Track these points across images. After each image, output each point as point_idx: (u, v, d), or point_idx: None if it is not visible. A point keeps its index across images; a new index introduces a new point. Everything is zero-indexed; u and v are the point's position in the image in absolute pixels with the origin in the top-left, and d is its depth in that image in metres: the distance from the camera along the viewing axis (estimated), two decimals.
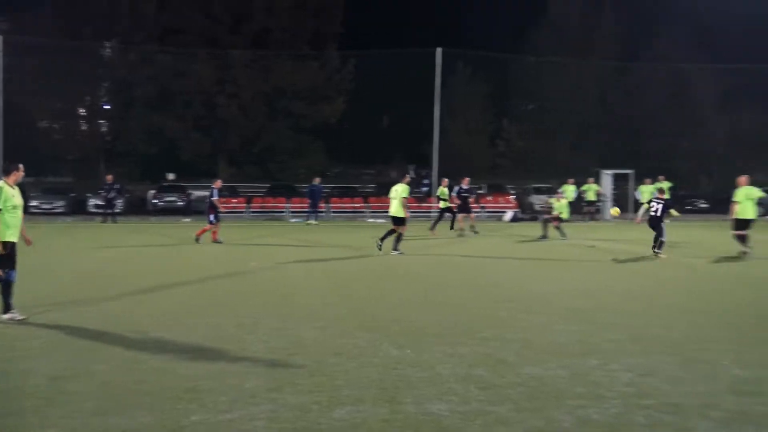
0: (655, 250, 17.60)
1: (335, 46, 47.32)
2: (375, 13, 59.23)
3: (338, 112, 47.29)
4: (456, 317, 9.45)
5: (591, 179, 33.97)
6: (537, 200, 39.09)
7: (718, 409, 5.67)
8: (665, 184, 33.60)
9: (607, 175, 35.82)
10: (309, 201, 31.52)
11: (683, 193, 39.02)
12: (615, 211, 22.05)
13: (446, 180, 25.78)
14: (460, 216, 24.80)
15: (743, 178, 17.79)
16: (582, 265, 16.22)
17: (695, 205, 42.56)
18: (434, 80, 34.69)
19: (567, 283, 12.93)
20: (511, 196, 38.62)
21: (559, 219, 22.49)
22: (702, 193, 45.93)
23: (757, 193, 17.75)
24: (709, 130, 52.99)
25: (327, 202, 36.22)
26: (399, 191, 18.01)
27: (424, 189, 40.23)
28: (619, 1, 53.56)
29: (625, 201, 36.24)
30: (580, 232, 25.00)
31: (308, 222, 30.43)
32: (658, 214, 17.90)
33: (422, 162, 44.34)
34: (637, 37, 52.83)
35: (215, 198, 20.51)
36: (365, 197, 38.45)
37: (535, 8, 53.81)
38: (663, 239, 17.67)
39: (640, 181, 33.97)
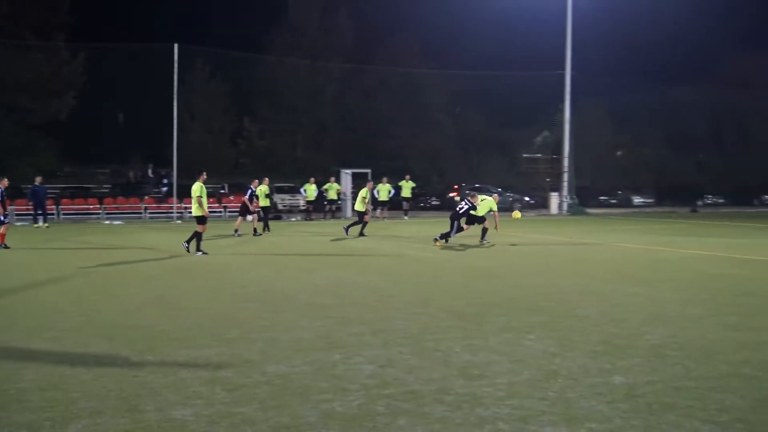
0: (437, 238, 19.75)
1: (63, 36, 44.38)
2: (109, 4, 56.51)
3: (69, 108, 44.46)
4: (199, 319, 9.24)
5: (332, 178, 34.86)
6: (279, 199, 39.43)
7: (451, 393, 6.03)
8: (409, 184, 35.52)
9: (346, 174, 36.90)
10: (32, 203, 29.26)
11: (417, 191, 41.25)
12: (516, 214, 22.66)
13: (267, 179, 25.52)
14: (241, 218, 24.45)
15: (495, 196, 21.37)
16: (325, 261, 16.57)
17: (428, 203, 45.23)
18: (172, 77, 33.70)
19: (311, 279, 13.14)
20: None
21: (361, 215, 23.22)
22: (433, 191, 48.83)
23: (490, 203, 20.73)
24: (440, 131, 56.45)
25: (57, 203, 33.92)
26: (194, 190, 17.70)
27: (164, 189, 39.03)
28: (355, 4, 55.46)
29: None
30: (323, 229, 25.52)
31: (37, 225, 28.29)
32: (461, 212, 19.89)
33: (162, 161, 42.99)
34: (372, 40, 55.13)
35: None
36: (100, 198, 36.48)
37: (274, 8, 54.30)
38: (451, 234, 19.72)
39: (377, 180, 35.37)
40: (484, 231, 20.81)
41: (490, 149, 59.13)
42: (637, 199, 54.73)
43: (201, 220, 17.64)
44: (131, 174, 47.01)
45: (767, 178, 59.88)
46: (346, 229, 23.25)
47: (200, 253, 17.40)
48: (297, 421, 5.35)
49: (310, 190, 33.95)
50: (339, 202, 35.31)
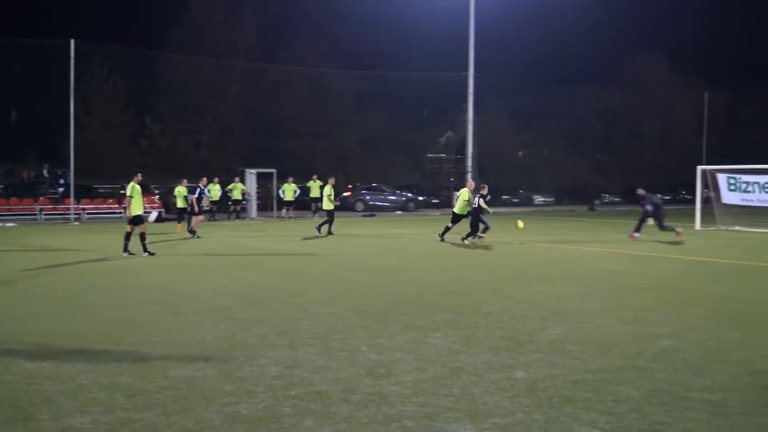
0: (464, 239, 20.48)
1: None
2: None
3: None
4: (99, 323, 8.95)
5: (236, 178, 34.42)
6: None
7: (358, 393, 6.04)
8: (317, 184, 35.38)
9: (251, 174, 36.50)
10: None
11: (345, 195, 41.33)
12: (520, 224, 22.44)
13: (185, 180, 25.23)
14: (195, 219, 23.70)
15: (470, 183, 21.56)
16: (229, 261, 16.34)
17: (354, 206, 45.33)
18: (68, 74, 32.53)
19: (215, 280, 12.93)
20: (156, 196, 37.59)
21: (329, 214, 23.80)
22: (340, 191, 48.80)
23: (465, 194, 20.95)
24: (345, 131, 56.51)
25: None
26: (128, 190, 17.33)
27: (60, 189, 37.63)
28: (259, 2, 54.92)
29: (269, 199, 37.32)
30: (228, 230, 25.18)
31: None
32: (477, 206, 20.59)
33: (58, 161, 41.38)
34: (276, 40, 54.71)
35: None
36: None
37: (176, 5, 53.22)
38: (478, 230, 20.45)
39: (283, 180, 35.16)
40: (447, 229, 21.18)
41: (395, 149, 59.61)
42: (538, 199, 56.18)
43: (134, 220, 17.24)
44: (25, 174, 44.99)
45: (659, 177, 62.47)
46: (318, 228, 23.66)
47: (126, 254, 17.08)
48: (201, 426, 5.25)
49: (214, 191, 33.45)
50: (244, 202, 34.89)
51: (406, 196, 45.54)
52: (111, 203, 35.55)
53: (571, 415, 5.48)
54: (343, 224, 30.53)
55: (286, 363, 6.98)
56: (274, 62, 52.13)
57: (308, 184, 35.58)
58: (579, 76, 65.04)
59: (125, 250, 17.25)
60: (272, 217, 35.59)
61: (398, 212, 42.57)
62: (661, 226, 21.31)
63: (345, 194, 43.70)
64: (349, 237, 23.45)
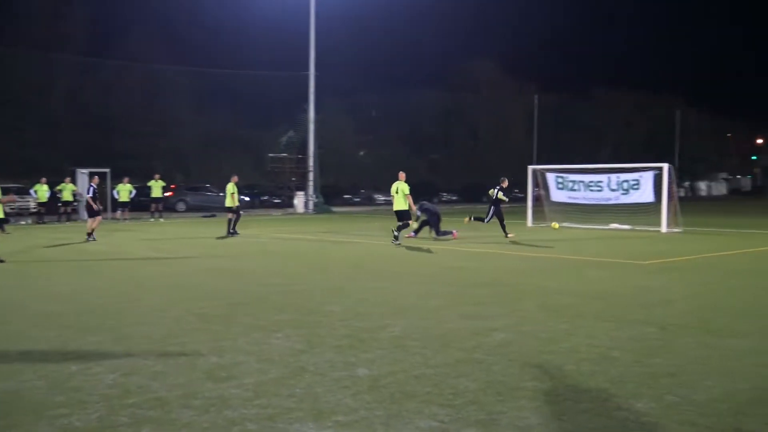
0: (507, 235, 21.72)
1: None
2: None
3: None
4: None
5: (67, 178, 32.81)
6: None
7: (199, 397, 5.90)
8: (159, 183, 34.40)
9: (83, 174, 34.88)
10: None
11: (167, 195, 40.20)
12: (555, 225, 21.94)
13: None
14: (91, 220, 21.93)
15: (401, 174, 21.12)
16: (61, 266, 15.56)
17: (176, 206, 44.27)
18: None
19: (45, 286, 12.26)
20: None
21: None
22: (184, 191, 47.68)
23: (404, 187, 20.71)
24: (184, 129, 55.26)
25: None
26: None
27: None
28: None
29: (103, 200, 35.79)
30: (58, 233, 23.96)
31: None
32: (495, 197, 21.78)
33: None
34: (109, 34, 52.69)
35: None
36: None
37: None
38: (503, 228, 21.60)
39: (118, 180, 33.90)
40: (400, 228, 20.63)
41: (236, 148, 58.89)
42: (379, 198, 57.07)
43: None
44: None
45: (494, 175, 65.09)
46: (231, 229, 23.96)
47: None
48: None
49: (41, 191, 31.78)
50: (75, 203, 33.29)
51: (211, 193, 45.26)
52: None
53: (412, 410, 5.59)
54: (182, 225, 29.85)
55: (123, 370, 6.72)
56: (106, 57, 50.10)
57: (149, 184, 34.54)
58: (417, 78, 66.92)
59: None
60: (106, 218, 34.18)
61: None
62: (437, 232, 22.22)
63: (167, 194, 42.44)
64: (187, 238, 22.92)
